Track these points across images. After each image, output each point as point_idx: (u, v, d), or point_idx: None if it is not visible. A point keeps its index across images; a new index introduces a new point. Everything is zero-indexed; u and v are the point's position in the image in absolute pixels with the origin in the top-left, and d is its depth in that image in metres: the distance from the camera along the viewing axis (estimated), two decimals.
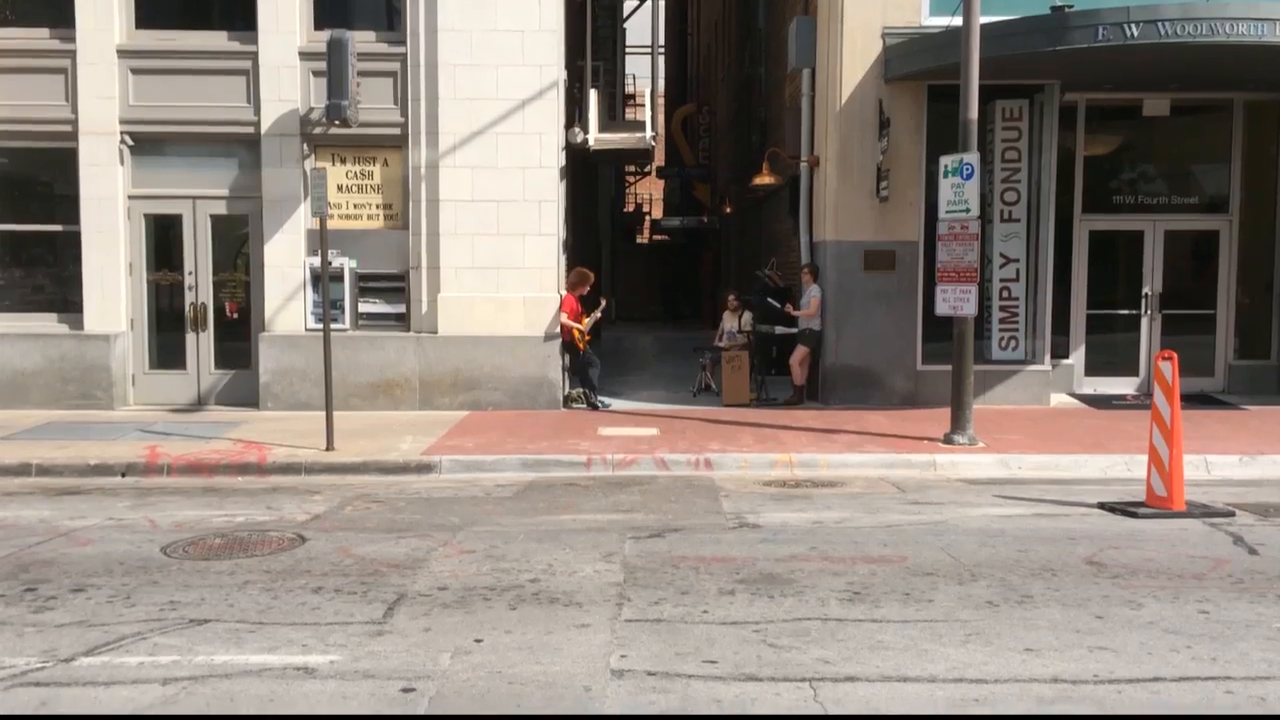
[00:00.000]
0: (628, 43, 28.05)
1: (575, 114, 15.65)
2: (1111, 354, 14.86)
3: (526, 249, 13.76)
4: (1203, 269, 14.93)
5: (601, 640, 5.50)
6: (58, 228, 14.09)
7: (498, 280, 13.75)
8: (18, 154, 14.14)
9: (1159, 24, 11.43)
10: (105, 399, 13.72)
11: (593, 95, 15.82)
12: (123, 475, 10.30)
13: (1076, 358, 14.75)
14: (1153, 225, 14.69)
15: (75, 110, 13.69)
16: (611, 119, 18.94)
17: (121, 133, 13.74)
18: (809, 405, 14.06)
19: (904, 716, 4.58)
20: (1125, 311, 14.83)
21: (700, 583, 6.53)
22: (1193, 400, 13.45)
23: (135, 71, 13.75)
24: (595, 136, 15.64)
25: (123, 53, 13.68)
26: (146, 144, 13.91)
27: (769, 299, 15.34)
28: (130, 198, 13.92)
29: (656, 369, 19.24)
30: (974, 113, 11.10)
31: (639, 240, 45.72)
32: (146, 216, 14.01)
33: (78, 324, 13.89)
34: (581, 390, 14.16)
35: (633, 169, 36.86)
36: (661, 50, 17.34)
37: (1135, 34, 11.48)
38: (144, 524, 8.26)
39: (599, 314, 14.72)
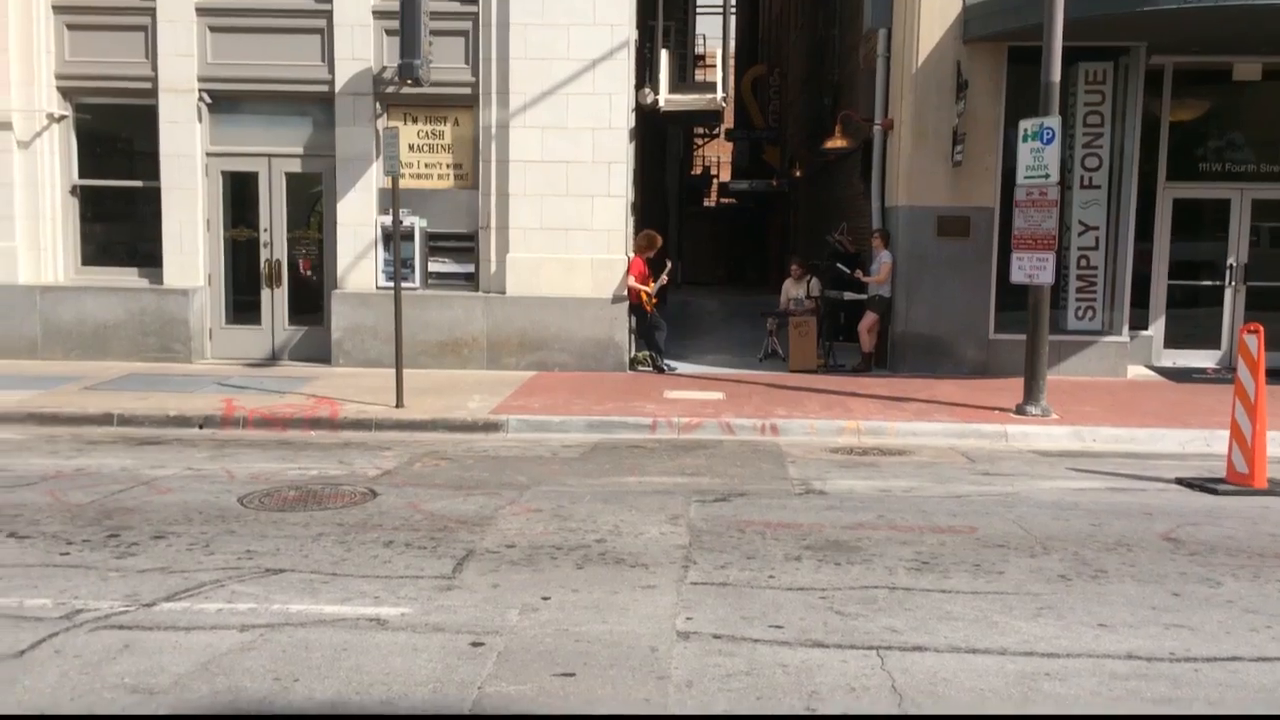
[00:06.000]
0: (699, 2, 27.76)
1: (645, 74, 15.52)
2: (1192, 326, 14.45)
3: (595, 210, 13.74)
4: None
5: (667, 602, 5.52)
6: (138, 183, 14.40)
7: (566, 241, 13.77)
8: (100, 110, 14.44)
9: None
10: (183, 352, 14.05)
11: (663, 55, 15.68)
12: (200, 427, 10.55)
13: (1156, 329, 14.38)
14: (1240, 194, 14.20)
15: (155, 68, 13.92)
16: (681, 80, 18.76)
17: (200, 90, 13.93)
18: (877, 373, 13.92)
19: None
20: (1208, 282, 14.41)
21: (766, 548, 6.52)
22: (1277, 375, 13.03)
23: (213, 29, 13.91)
24: (665, 97, 15.52)
25: (201, 10, 13.84)
26: (224, 102, 14.10)
27: (839, 264, 15.17)
28: (208, 155, 14.15)
29: (722, 333, 19.18)
30: (1056, 75, 10.78)
31: (706, 203, 45.44)
32: (224, 174, 14.24)
33: (157, 278, 14.21)
34: (647, 353, 14.16)
35: (701, 131, 36.58)
36: (733, 10, 17.14)
37: None
38: (221, 475, 8.47)
39: (665, 277, 14.67)
